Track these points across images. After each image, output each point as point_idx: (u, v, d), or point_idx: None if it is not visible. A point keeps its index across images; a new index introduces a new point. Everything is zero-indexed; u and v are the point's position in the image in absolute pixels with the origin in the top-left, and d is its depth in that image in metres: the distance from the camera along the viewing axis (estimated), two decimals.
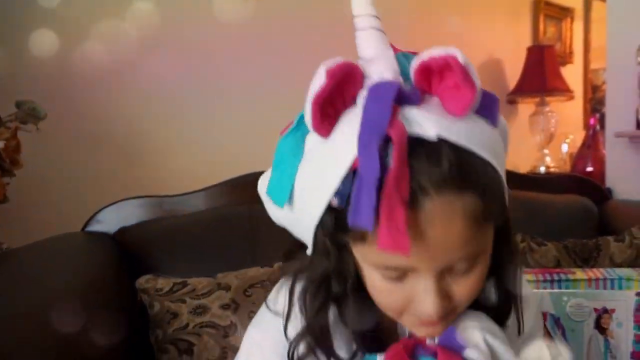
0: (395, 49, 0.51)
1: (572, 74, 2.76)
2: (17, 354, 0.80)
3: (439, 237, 0.45)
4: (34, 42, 1.27)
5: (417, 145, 0.44)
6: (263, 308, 0.62)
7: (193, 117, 1.56)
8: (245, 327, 1.05)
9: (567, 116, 2.71)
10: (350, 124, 0.46)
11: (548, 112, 2.47)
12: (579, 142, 2.50)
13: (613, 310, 1.03)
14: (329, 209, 0.48)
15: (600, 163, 2.09)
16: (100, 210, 1.27)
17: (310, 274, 0.54)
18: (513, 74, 2.49)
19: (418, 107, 0.46)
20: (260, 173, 0.61)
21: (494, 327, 0.56)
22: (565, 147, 2.60)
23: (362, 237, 0.46)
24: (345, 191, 0.45)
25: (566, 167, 2.52)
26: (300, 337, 0.55)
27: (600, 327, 1.04)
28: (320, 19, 1.71)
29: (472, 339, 0.53)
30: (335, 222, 0.48)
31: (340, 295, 0.53)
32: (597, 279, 1.06)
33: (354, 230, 0.45)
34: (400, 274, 0.49)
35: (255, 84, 1.62)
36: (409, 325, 0.54)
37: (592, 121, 2.31)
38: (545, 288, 1.07)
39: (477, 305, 0.55)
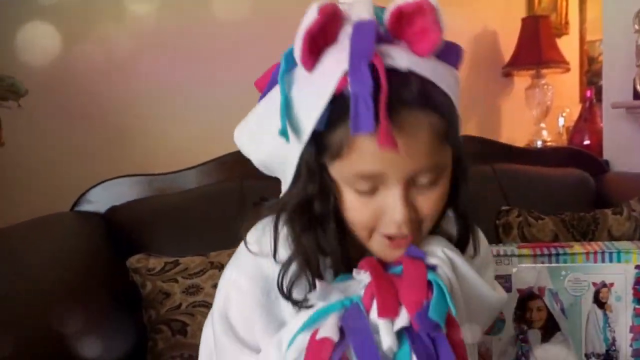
0: None
1: (568, 46, 2.72)
2: (4, 329, 0.78)
3: (406, 144, 0.53)
4: (13, 16, 1.22)
5: (391, 74, 0.52)
6: (241, 250, 0.64)
7: (183, 94, 1.52)
8: None
9: (563, 89, 2.67)
10: (331, 58, 0.54)
11: (544, 84, 2.43)
12: (575, 116, 2.47)
13: (612, 284, 1.02)
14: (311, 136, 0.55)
15: (597, 136, 2.06)
16: (89, 189, 1.25)
17: (294, 200, 0.59)
18: (508, 46, 2.43)
19: (391, 45, 0.54)
20: None
21: (452, 247, 0.63)
22: (561, 121, 2.57)
23: (338, 154, 0.54)
24: (324, 116, 0.53)
25: (563, 141, 2.50)
26: (289, 260, 0.60)
27: (599, 301, 1.03)
28: None
29: (433, 252, 0.60)
30: (316, 146, 0.56)
31: (323, 216, 0.58)
32: (595, 253, 1.05)
33: (331, 150, 0.54)
34: (372, 187, 0.56)
35: (246, 61, 1.56)
36: (378, 249, 0.60)
37: (588, 93, 2.28)
38: (543, 262, 1.05)
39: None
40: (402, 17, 0.53)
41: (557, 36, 2.59)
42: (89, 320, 0.99)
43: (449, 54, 0.57)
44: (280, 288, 0.60)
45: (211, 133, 1.49)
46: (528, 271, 1.05)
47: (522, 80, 2.53)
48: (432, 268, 0.59)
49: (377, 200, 0.56)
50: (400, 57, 0.53)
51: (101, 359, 0.94)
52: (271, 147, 0.61)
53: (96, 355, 0.93)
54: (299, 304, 0.59)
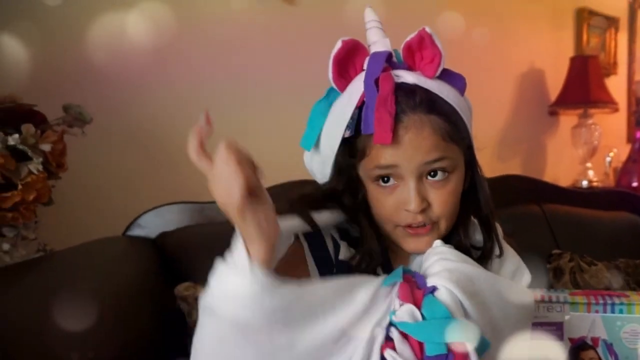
0: None
1: (616, 86, 2.68)
2: (55, 354, 0.80)
3: (412, 139, 0.65)
4: (79, 46, 1.28)
5: (402, 88, 0.67)
6: None
7: (234, 123, 1.52)
8: None
9: (610, 129, 2.62)
10: (357, 80, 0.69)
11: (591, 124, 2.39)
12: (622, 156, 2.42)
13: None
14: (343, 142, 0.69)
15: None
16: (141, 214, 1.27)
17: (324, 188, 0.74)
18: (555, 84, 2.42)
19: (405, 70, 0.69)
20: (299, 181, 0.82)
21: (465, 258, 0.67)
22: (608, 161, 2.52)
23: (364, 154, 0.68)
24: (352, 124, 0.68)
25: (609, 182, 2.44)
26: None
27: None
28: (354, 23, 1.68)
29: (440, 269, 0.64)
30: (348, 150, 0.69)
31: (353, 210, 0.71)
32: None
33: (358, 151, 0.68)
34: (391, 182, 0.68)
35: (297, 91, 1.59)
36: (401, 240, 0.71)
37: (638, 134, 2.23)
38: (597, 312, 1.02)
39: (467, 249, 0.73)
40: (410, 49, 0.69)
41: (606, 76, 2.56)
42: (134, 346, 1.00)
43: (455, 80, 0.71)
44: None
45: (262, 164, 1.51)
46: (581, 320, 1.02)
47: (568, 119, 2.50)
48: (432, 291, 0.62)
49: (396, 194, 0.68)
50: (409, 76, 0.68)
51: None
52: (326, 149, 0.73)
53: None
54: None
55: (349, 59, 0.70)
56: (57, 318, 0.87)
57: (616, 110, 2.47)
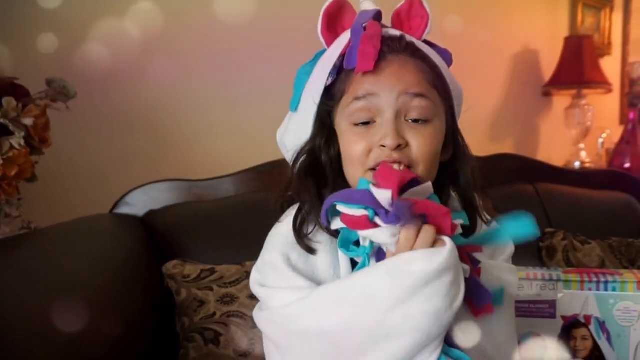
0: None
1: (610, 67, 2.66)
2: (41, 334, 0.78)
3: (395, 71, 0.64)
4: (66, 21, 1.24)
5: (389, 36, 0.66)
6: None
7: (223, 101, 1.52)
8: None
9: (604, 110, 2.61)
10: (344, 36, 0.68)
11: (584, 105, 2.38)
12: (615, 138, 2.42)
13: None
14: (324, 91, 0.67)
15: (639, 159, 2.01)
16: (129, 192, 1.25)
17: (306, 147, 0.69)
18: (549, 65, 2.39)
19: (392, 29, 0.69)
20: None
21: None
22: (601, 142, 2.51)
23: (342, 94, 0.66)
24: (335, 71, 0.67)
25: (601, 163, 2.44)
26: (299, 211, 0.68)
27: None
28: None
29: None
30: (327, 95, 0.68)
31: (325, 168, 0.67)
32: None
33: (336, 95, 0.67)
34: (367, 117, 0.64)
35: (286, 70, 1.57)
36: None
37: (631, 115, 2.22)
38: (590, 289, 1.01)
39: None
40: (399, 17, 0.70)
41: (600, 57, 2.54)
42: (122, 325, 0.98)
43: (441, 50, 0.70)
44: (294, 225, 0.67)
45: (251, 141, 1.49)
46: (574, 297, 1.02)
47: (561, 99, 2.48)
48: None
49: (371, 133, 0.64)
50: (398, 33, 0.67)
51: None
52: (305, 112, 0.70)
53: None
54: (304, 241, 0.66)
55: (338, 15, 0.69)
56: (42, 296, 0.85)
57: (610, 91, 2.46)
